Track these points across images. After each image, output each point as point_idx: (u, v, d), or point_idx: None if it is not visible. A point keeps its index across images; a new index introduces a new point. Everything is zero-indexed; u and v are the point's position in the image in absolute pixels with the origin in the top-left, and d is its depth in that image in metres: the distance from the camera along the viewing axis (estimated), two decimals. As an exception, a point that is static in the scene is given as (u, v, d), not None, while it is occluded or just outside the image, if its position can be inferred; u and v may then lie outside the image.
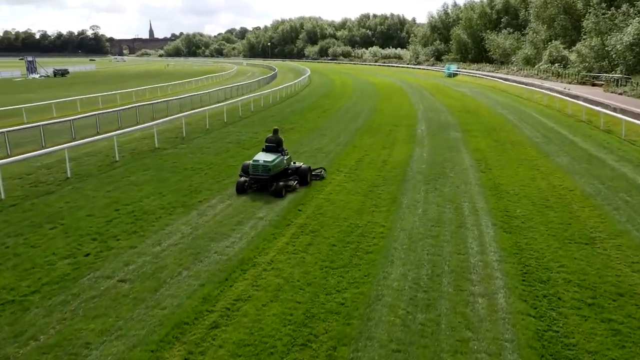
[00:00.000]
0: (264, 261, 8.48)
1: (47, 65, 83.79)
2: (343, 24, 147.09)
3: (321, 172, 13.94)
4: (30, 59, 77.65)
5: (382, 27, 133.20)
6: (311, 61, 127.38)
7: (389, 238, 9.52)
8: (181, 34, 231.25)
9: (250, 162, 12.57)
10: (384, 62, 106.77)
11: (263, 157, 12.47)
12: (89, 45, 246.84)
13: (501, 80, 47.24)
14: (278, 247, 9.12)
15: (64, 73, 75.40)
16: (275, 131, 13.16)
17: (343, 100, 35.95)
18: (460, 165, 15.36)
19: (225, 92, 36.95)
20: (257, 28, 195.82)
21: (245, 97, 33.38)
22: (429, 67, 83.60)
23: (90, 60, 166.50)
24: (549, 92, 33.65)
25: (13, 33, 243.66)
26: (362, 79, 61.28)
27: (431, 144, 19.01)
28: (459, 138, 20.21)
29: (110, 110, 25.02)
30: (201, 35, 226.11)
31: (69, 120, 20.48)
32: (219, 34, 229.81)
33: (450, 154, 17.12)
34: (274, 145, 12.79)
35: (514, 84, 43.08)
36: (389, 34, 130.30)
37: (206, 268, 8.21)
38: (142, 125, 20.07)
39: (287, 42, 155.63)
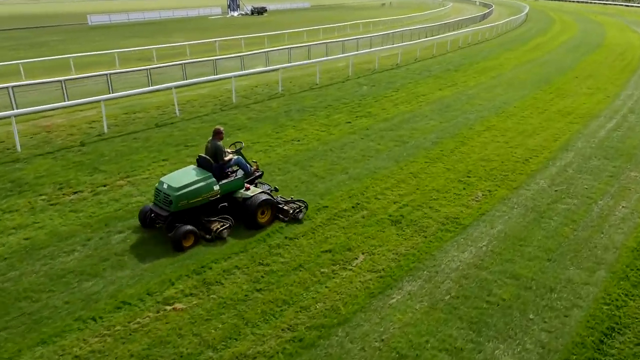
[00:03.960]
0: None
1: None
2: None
3: (299, 209, 8.12)
4: (233, -4, 76.95)
5: None
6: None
7: None
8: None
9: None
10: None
11: (175, 178, 7.56)
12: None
13: None
14: None
15: (261, 11, 73.05)
16: (216, 134, 8.01)
17: (479, 79, 21.15)
18: None
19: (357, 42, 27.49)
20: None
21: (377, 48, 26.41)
22: None
23: None
24: None
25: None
26: (598, 36, 40.70)
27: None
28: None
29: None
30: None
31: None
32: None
33: None
34: (207, 160, 7.76)
35: None
36: None
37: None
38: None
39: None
